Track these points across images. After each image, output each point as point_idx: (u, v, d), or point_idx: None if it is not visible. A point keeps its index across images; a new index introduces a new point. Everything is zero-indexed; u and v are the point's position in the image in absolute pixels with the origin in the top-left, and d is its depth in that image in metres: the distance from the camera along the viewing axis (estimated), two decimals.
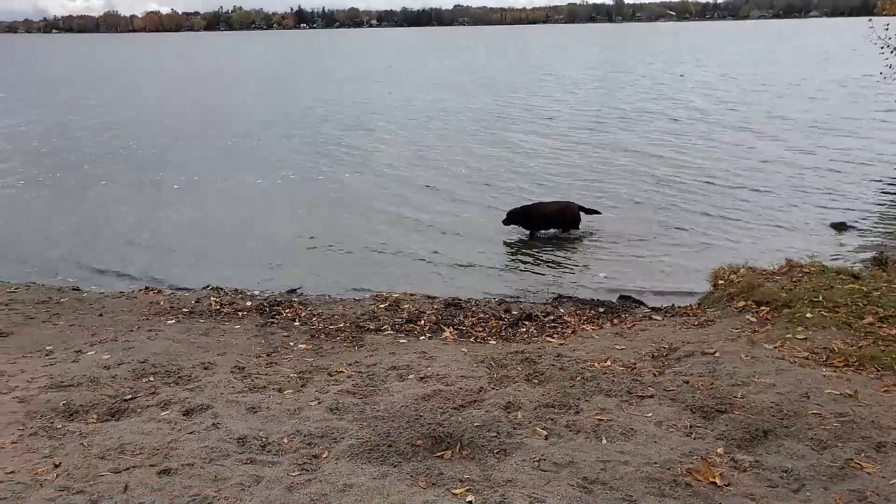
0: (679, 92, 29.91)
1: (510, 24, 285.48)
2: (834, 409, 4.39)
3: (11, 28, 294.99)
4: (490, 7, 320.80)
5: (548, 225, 10.72)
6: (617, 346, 5.97)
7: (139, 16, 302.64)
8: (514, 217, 10.52)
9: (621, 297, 8.06)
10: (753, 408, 4.47)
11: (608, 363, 5.46)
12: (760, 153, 16.37)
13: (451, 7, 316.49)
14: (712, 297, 7.41)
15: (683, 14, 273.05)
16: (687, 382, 4.98)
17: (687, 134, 19.26)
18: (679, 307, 7.41)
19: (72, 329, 6.68)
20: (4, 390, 5.08)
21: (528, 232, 10.76)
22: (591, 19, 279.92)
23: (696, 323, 6.61)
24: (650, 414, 4.49)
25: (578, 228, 10.77)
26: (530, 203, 10.87)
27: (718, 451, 3.98)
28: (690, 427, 4.30)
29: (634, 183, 13.74)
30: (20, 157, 17.90)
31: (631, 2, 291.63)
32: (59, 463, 3.98)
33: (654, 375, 5.20)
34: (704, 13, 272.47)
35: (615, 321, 6.98)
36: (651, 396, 4.75)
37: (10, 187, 14.59)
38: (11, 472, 3.88)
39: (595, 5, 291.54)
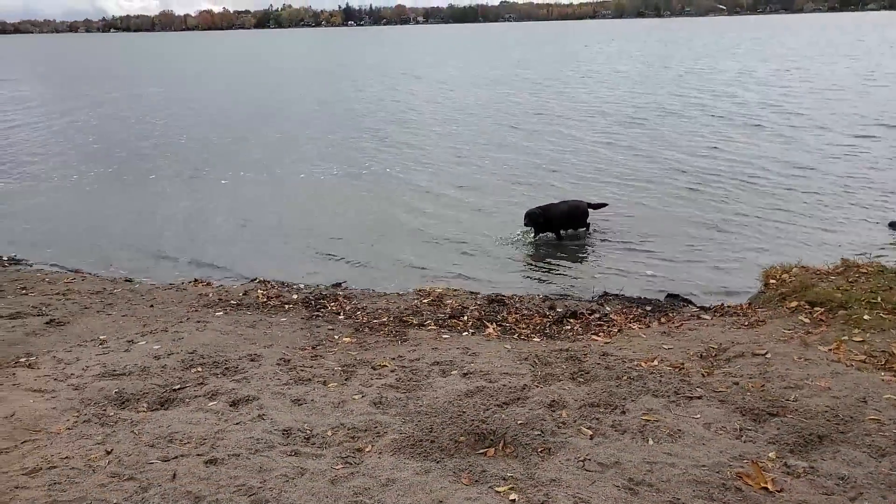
0: (727, 86, 29.16)
1: (557, 19, 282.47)
2: (893, 416, 4.21)
3: (73, 28, 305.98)
4: (536, 3, 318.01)
5: (565, 225, 10.48)
6: (664, 346, 5.85)
7: (192, 14, 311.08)
8: (535, 219, 10.10)
9: (669, 295, 7.90)
10: (807, 412, 4.33)
11: (655, 363, 5.36)
12: (814, 149, 15.85)
13: (496, 3, 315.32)
14: (763, 297, 7.21)
15: (735, 8, 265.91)
16: (737, 384, 4.86)
17: (736, 130, 18.77)
18: (728, 307, 7.23)
19: (124, 319, 6.86)
20: (61, 378, 5.25)
21: (551, 235, 10.48)
22: (640, 14, 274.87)
23: (746, 323, 6.43)
24: (698, 415, 4.38)
25: (588, 226, 10.60)
26: (544, 205, 10.45)
27: (770, 455, 3.87)
28: (740, 430, 4.18)
29: (681, 180, 13.45)
30: (75, 152, 18.50)
31: None
32: (111, 450, 4.08)
33: (703, 376, 5.08)
34: (756, 7, 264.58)
35: (662, 320, 6.84)
36: (699, 397, 4.64)
37: (65, 180, 15.09)
38: (66, 457, 4.00)
39: (644, 0, 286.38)
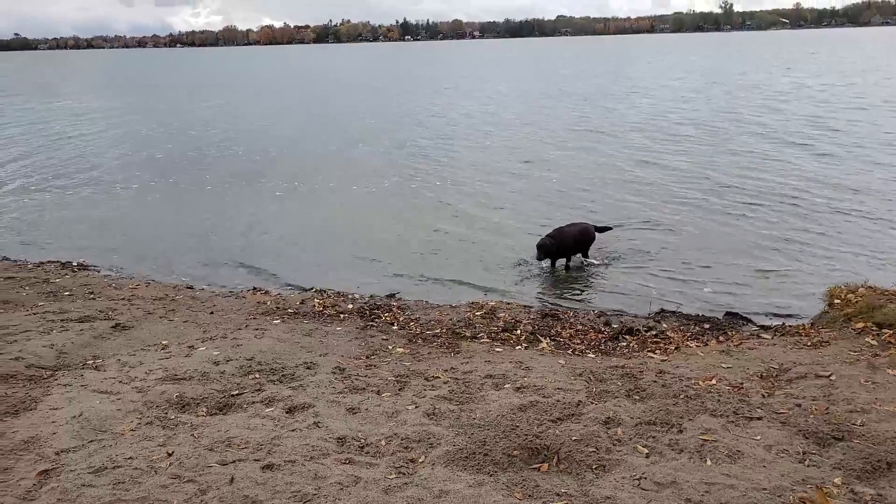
0: (781, 102, 28.36)
1: (614, 34, 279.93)
2: None
3: (141, 43, 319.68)
4: (593, 17, 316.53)
5: (576, 250, 9.77)
6: (723, 365, 5.71)
7: (255, 30, 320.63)
8: (549, 249, 9.36)
9: (728, 313, 7.70)
10: (875, 437, 4.16)
11: (713, 382, 5.23)
12: (877, 168, 15.21)
13: (553, 18, 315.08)
14: (827, 318, 6.98)
15: (798, 21, 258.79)
16: (799, 406, 4.70)
17: (791, 148, 18.14)
18: (790, 326, 7.03)
19: (185, 325, 7.06)
20: (125, 380, 5.43)
21: (563, 262, 9.78)
22: (698, 28, 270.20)
23: (808, 344, 6.23)
24: (759, 437, 4.26)
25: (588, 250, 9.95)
26: (553, 233, 9.62)
27: (835, 481, 3.73)
28: (803, 453, 4.05)
29: (736, 198, 13.10)
30: (136, 162, 19.20)
31: (741, 9, 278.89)
32: (172, 452, 4.20)
33: (763, 397, 4.94)
34: (821, 20, 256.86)
35: (721, 338, 6.68)
36: (760, 418, 4.51)
37: (128, 189, 15.66)
38: (130, 457, 4.14)
39: (702, 14, 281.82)
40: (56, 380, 5.45)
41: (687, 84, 39.59)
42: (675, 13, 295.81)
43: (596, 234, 10.01)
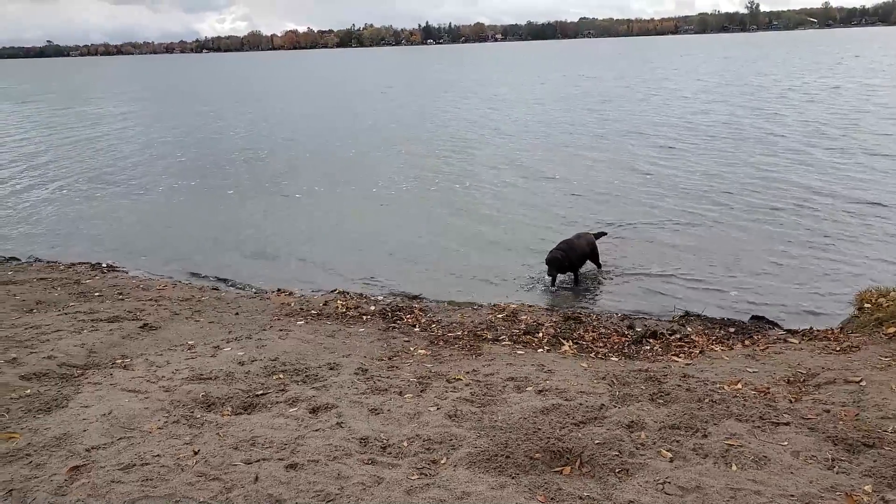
0: (810, 104, 27.95)
1: (637, 35, 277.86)
2: None
3: (168, 49, 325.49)
4: (616, 19, 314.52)
5: (583, 261, 9.34)
6: (749, 369, 5.64)
7: (279, 35, 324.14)
8: (561, 263, 8.89)
9: (753, 317, 7.60)
10: None
11: (739, 386, 5.17)
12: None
13: (576, 20, 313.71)
14: (857, 322, 6.85)
15: (826, 21, 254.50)
16: (828, 411, 4.63)
17: (816, 149, 17.83)
18: (818, 331, 6.91)
19: (211, 326, 7.16)
20: (153, 379, 5.52)
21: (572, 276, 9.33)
22: (724, 29, 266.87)
23: (837, 348, 6.12)
24: (786, 442, 4.20)
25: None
26: (563, 245, 9.11)
27: (866, 488, 3.66)
28: (832, 460, 3.98)
29: (766, 200, 12.93)
30: (162, 165, 19.47)
31: (767, 9, 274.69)
32: (198, 450, 4.26)
33: (790, 402, 4.87)
34: (850, 19, 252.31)
35: (746, 342, 6.60)
36: (787, 424, 4.45)
37: (154, 192, 15.90)
38: (157, 455, 4.20)
39: (728, 14, 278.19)
40: (86, 378, 5.56)
41: (711, 85, 39.15)
42: (699, 14, 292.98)
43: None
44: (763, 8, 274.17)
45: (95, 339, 6.50)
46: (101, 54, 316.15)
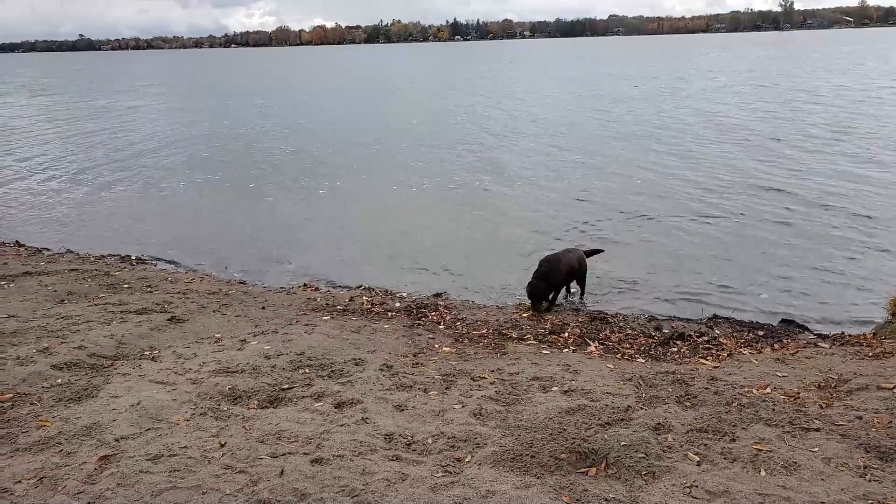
0: (846, 105, 27.40)
1: (667, 33, 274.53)
2: None
3: (198, 43, 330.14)
4: (646, 16, 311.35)
5: (570, 279, 8.37)
6: (778, 373, 5.55)
7: (307, 30, 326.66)
8: (541, 293, 7.79)
9: (783, 320, 7.48)
10: None
11: (768, 390, 5.09)
12: None
13: (605, 17, 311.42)
14: (891, 327, 6.73)
15: (863, 20, 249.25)
16: (860, 418, 4.54)
17: (845, 154, 17.44)
18: (850, 336, 6.79)
19: (238, 319, 7.22)
20: (180, 371, 5.58)
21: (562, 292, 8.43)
22: (756, 27, 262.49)
23: (870, 354, 6.00)
24: (816, 448, 4.13)
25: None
26: (549, 261, 8.01)
27: None
28: (864, 468, 3.91)
29: (798, 203, 12.71)
30: (190, 161, 19.67)
31: (802, 7, 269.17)
32: (225, 443, 4.30)
33: (821, 407, 4.78)
34: (888, 18, 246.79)
35: (776, 346, 6.50)
36: (817, 430, 4.37)
37: (179, 186, 16.09)
38: (185, 446, 4.25)
39: (760, 12, 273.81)
40: (116, 369, 5.64)
41: (743, 86, 38.60)
42: (732, 12, 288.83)
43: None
44: (797, 6, 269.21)
45: (124, 330, 6.58)
46: (131, 48, 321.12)
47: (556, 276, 7.92)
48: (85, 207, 14.26)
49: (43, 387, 5.17)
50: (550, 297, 8.03)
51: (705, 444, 4.21)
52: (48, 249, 11.01)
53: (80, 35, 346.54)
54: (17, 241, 11.49)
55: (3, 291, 8.03)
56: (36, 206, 14.55)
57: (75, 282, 8.59)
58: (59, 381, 5.30)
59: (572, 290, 8.73)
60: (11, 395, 4.99)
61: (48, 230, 12.56)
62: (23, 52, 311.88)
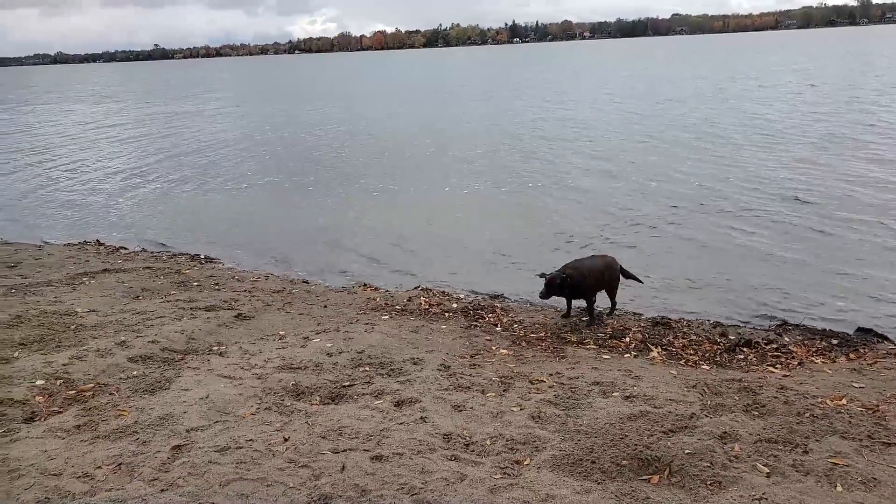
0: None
1: (733, 31, 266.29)
2: None
3: (263, 50, 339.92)
4: (711, 14, 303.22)
5: (597, 287, 7.52)
6: (854, 384, 5.31)
7: (367, 36, 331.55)
8: (559, 287, 7.06)
9: (860, 329, 7.14)
10: None
11: (843, 402, 4.87)
12: None
13: (667, 16, 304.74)
14: None
15: None
16: None
17: None
18: None
19: (301, 317, 7.38)
20: (246, 367, 5.74)
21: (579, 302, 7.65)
22: (830, 23, 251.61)
23: None
24: None
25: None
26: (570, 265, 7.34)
27: None
28: None
29: (872, 209, 12.12)
30: (251, 163, 20.24)
31: (880, 2, 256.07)
32: (288, 437, 4.40)
33: None
34: None
35: (851, 356, 6.22)
36: None
37: (243, 188, 16.53)
38: (250, 439, 4.37)
39: (835, 7, 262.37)
40: (186, 363, 5.84)
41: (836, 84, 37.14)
42: (803, 7, 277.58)
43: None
44: (875, 0, 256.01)
45: (194, 326, 6.81)
46: (202, 56, 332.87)
47: (585, 281, 7.22)
48: (158, 207, 14.84)
49: (120, 378, 5.40)
50: (576, 302, 7.50)
51: (775, 456, 4.06)
52: (125, 248, 11.49)
53: (156, 45, 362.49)
54: (97, 240, 12.05)
55: (86, 287, 8.43)
56: (113, 206, 15.22)
57: (149, 279, 8.94)
58: (135, 373, 5.53)
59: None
60: (93, 385, 5.23)
61: (124, 229, 13.11)
62: (103, 62, 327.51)
